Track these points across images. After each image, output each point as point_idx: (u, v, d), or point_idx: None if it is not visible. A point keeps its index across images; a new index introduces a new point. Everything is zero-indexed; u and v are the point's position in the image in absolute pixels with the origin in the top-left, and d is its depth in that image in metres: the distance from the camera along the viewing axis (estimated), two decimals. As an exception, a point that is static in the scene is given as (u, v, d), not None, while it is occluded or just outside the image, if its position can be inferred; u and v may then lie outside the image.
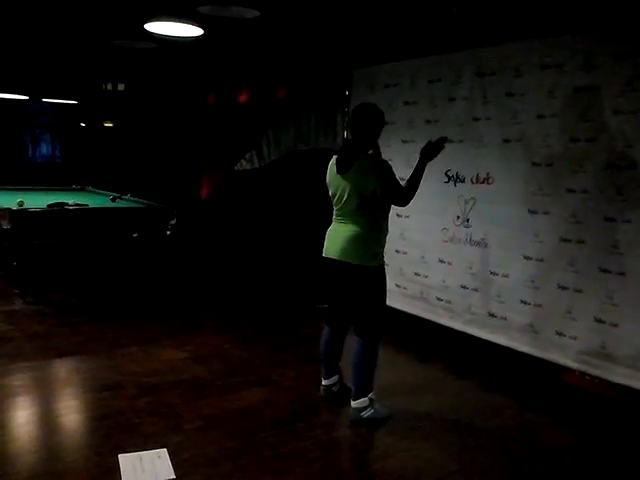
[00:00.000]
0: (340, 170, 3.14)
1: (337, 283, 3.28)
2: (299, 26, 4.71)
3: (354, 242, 3.11)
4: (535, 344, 3.93)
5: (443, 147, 3.16)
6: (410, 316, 4.90)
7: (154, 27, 4.47)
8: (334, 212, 3.27)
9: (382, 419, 3.24)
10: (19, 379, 3.57)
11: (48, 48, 6.25)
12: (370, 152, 3.24)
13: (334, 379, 3.48)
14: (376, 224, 3.16)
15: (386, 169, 3.09)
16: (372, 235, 3.14)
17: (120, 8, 4.33)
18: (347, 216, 3.15)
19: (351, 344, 3.30)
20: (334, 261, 3.19)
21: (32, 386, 3.52)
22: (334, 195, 3.21)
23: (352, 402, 3.25)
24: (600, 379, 3.59)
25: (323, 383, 3.49)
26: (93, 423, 3.08)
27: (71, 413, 3.22)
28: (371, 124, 3.16)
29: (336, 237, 3.20)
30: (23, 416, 3.17)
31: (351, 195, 3.09)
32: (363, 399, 3.22)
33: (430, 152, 3.15)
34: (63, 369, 3.88)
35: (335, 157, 3.24)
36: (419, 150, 3.22)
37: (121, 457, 2.69)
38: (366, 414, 3.21)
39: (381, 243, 3.21)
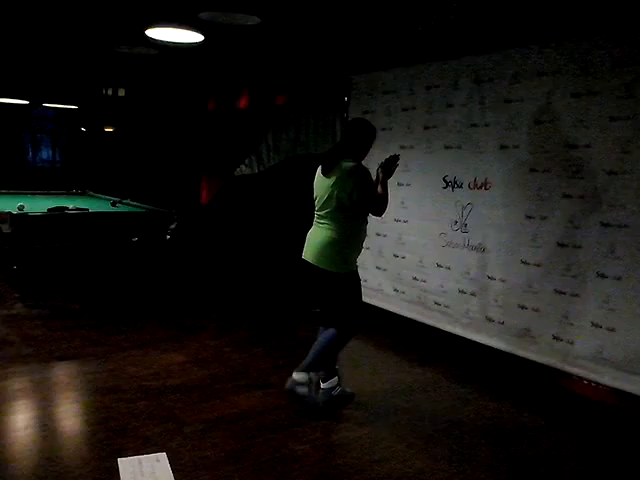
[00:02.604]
0: (324, 171, 3.26)
1: (314, 284, 3.40)
2: (299, 33, 4.74)
3: (326, 248, 3.22)
4: (532, 348, 3.95)
5: (397, 165, 3.33)
6: (408, 320, 4.92)
7: (155, 33, 4.51)
8: (315, 215, 3.36)
9: (313, 403, 3.37)
10: (18, 382, 3.58)
11: (49, 53, 6.28)
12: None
13: (333, 382, 3.51)
14: (352, 229, 3.26)
15: (364, 176, 3.19)
16: (345, 240, 3.23)
17: (121, 14, 4.36)
18: (325, 219, 3.25)
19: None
20: (310, 264, 3.30)
21: (31, 390, 3.53)
22: (316, 197, 3.32)
23: (294, 373, 3.36)
24: (597, 383, 3.61)
25: (322, 386, 3.51)
26: (92, 426, 3.08)
27: (70, 417, 3.23)
28: (362, 138, 3.30)
29: (312, 241, 3.32)
30: (22, 420, 3.18)
31: (330, 198, 3.19)
32: (304, 374, 3.32)
33: (386, 171, 3.31)
34: (62, 373, 3.89)
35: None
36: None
37: (120, 461, 2.70)
38: (300, 390, 3.33)
39: (354, 248, 3.32)
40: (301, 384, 3.34)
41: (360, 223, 3.30)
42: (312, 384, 3.39)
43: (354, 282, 3.35)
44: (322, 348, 3.34)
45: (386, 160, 3.32)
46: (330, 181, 3.19)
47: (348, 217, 3.20)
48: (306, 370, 3.34)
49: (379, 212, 3.30)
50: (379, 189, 3.29)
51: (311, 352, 3.37)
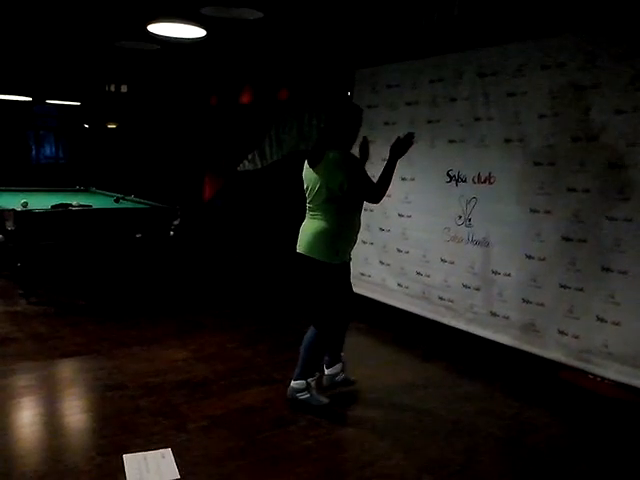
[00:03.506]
0: (311, 164, 3.19)
1: (308, 278, 3.33)
2: (301, 27, 4.73)
3: (318, 238, 3.17)
4: (537, 343, 3.94)
5: (412, 143, 3.15)
6: (412, 315, 4.91)
7: (157, 28, 4.50)
8: (306, 207, 3.31)
9: (316, 405, 3.33)
10: (23, 379, 3.59)
11: (51, 50, 6.28)
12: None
13: (337, 368, 3.57)
14: (344, 219, 3.19)
15: (354, 164, 3.12)
16: (338, 231, 3.17)
17: (123, 9, 4.35)
18: (316, 211, 3.20)
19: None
20: (304, 257, 3.24)
21: (36, 386, 3.53)
22: (306, 189, 3.26)
23: (292, 382, 3.37)
24: (602, 378, 3.60)
25: (326, 372, 3.55)
26: (97, 423, 3.09)
27: (75, 413, 3.23)
28: (346, 125, 3.19)
29: (304, 232, 3.26)
30: (27, 416, 3.19)
31: (320, 189, 3.13)
32: (301, 381, 3.33)
33: (400, 149, 3.13)
34: (67, 369, 3.90)
35: None
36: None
37: (126, 457, 2.71)
38: (302, 396, 3.33)
39: (346, 239, 3.26)
40: (301, 390, 3.33)
41: (352, 214, 3.23)
42: (312, 387, 3.37)
43: (344, 274, 3.31)
44: (307, 354, 3.32)
45: (398, 138, 3.12)
46: (318, 172, 3.13)
47: (339, 208, 3.14)
48: (301, 378, 3.34)
49: (376, 199, 3.19)
50: (383, 171, 3.13)
51: (299, 360, 3.36)
